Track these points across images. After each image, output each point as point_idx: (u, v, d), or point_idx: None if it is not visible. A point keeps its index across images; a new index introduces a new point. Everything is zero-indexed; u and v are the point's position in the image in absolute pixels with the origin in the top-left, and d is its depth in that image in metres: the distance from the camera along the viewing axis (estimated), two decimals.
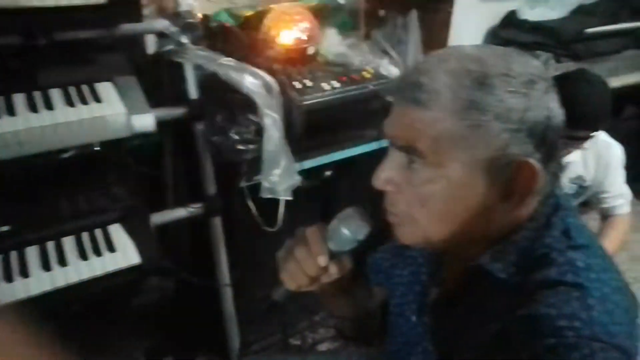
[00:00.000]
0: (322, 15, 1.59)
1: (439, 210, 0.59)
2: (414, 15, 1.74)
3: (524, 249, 0.61)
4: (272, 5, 1.47)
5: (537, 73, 0.59)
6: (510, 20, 2.17)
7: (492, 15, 2.23)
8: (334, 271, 0.68)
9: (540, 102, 0.57)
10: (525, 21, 2.12)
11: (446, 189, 0.58)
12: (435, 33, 2.20)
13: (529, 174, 0.58)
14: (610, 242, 1.51)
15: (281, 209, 1.40)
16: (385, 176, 0.62)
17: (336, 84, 1.38)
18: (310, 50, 1.45)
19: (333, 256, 0.68)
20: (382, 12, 1.90)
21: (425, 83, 0.57)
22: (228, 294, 1.47)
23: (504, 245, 0.62)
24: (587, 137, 1.33)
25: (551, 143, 0.59)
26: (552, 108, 0.59)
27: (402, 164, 0.61)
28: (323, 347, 1.75)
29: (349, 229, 0.67)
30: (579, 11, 2.20)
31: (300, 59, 1.42)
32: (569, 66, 2.04)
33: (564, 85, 1.32)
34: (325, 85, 1.37)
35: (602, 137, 1.48)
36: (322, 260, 0.66)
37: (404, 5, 1.73)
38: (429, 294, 0.76)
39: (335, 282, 0.77)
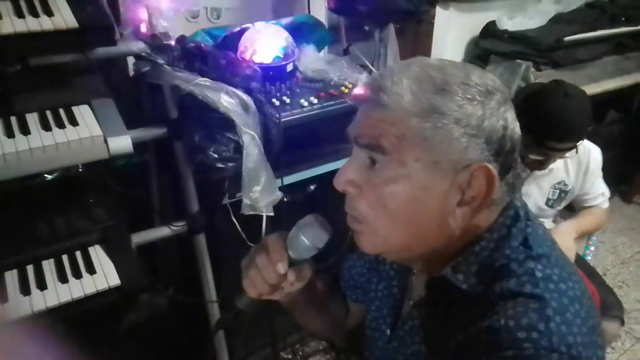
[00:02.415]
0: (301, 31, 1.62)
1: (399, 211, 0.60)
2: (391, 29, 1.77)
3: (485, 260, 0.62)
4: (249, 25, 1.50)
5: (494, 85, 0.61)
6: (490, 30, 2.21)
7: (473, 27, 2.27)
8: (292, 279, 0.68)
9: (497, 112, 0.59)
10: (504, 31, 2.16)
11: (407, 189, 0.59)
12: (417, 45, 2.24)
13: (486, 179, 0.59)
14: (585, 220, 1.56)
15: (264, 224, 1.40)
16: (346, 177, 0.62)
17: (314, 100, 1.40)
18: (289, 68, 1.47)
19: (293, 264, 0.68)
20: (366, 27, 1.93)
21: (389, 86, 0.59)
22: (214, 309, 1.46)
23: (465, 256, 0.63)
24: (572, 147, 1.36)
25: (508, 153, 0.61)
26: (509, 119, 0.61)
27: (364, 165, 0.61)
28: None
29: (307, 237, 0.67)
30: (558, 20, 2.23)
31: (278, 77, 1.43)
32: (550, 74, 2.07)
33: (542, 100, 1.35)
34: (303, 102, 1.39)
35: (582, 142, 1.50)
36: (281, 267, 0.67)
37: (382, 19, 1.75)
38: (402, 307, 0.77)
39: (304, 294, 0.77)
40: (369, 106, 0.61)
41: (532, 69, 2.06)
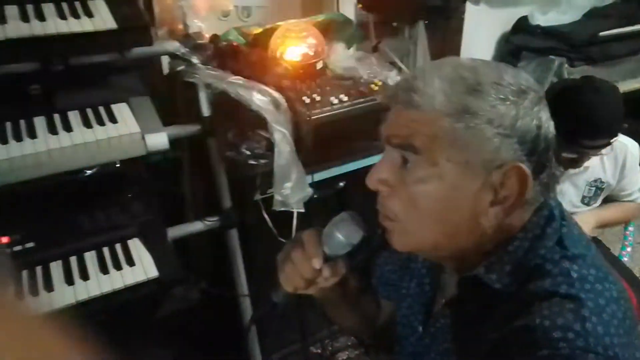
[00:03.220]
0: (330, 29, 1.63)
1: (431, 210, 0.60)
2: (421, 26, 1.76)
3: (519, 260, 0.62)
4: (279, 23, 1.52)
5: (528, 85, 0.61)
6: (522, 26, 2.17)
7: (504, 22, 2.23)
8: (327, 274, 0.69)
9: (531, 111, 0.59)
10: (537, 26, 2.12)
11: (439, 189, 0.59)
12: (447, 42, 2.22)
13: (520, 179, 0.58)
14: (608, 211, 1.56)
15: (295, 220, 1.42)
16: (379, 177, 0.63)
17: (344, 98, 1.41)
18: (319, 65, 1.48)
19: (328, 259, 0.69)
20: (394, 24, 1.92)
21: (421, 87, 0.59)
22: (246, 303, 1.49)
23: (499, 256, 0.62)
24: (606, 144, 1.33)
25: (542, 153, 0.60)
26: (543, 118, 0.60)
27: (396, 165, 0.62)
28: (343, 355, 1.76)
29: (342, 234, 0.68)
30: (592, 14, 2.18)
31: (309, 74, 1.45)
32: (584, 70, 2.02)
33: (572, 97, 1.32)
34: (333, 99, 1.40)
35: (618, 138, 1.48)
36: (316, 262, 0.68)
37: (412, 16, 1.74)
38: (435, 304, 0.77)
39: (338, 290, 0.78)
40: (401, 106, 0.61)
41: (566, 65, 2.02)
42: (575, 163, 1.38)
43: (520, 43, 2.16)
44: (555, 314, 0.55)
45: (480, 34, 2.21)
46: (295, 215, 1.43)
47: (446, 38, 2.21)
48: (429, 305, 0.77)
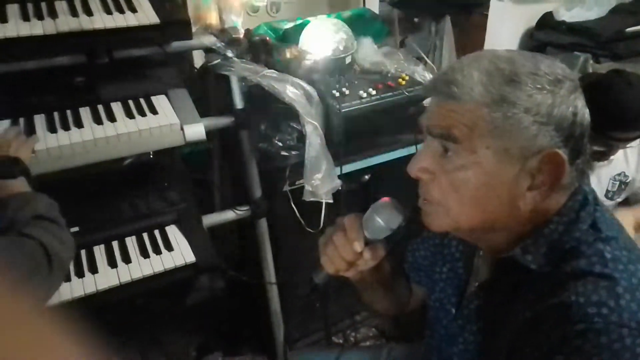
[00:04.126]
0: (358, 24, 1.66)
1: (471, 196, 0.64)
2: (447, 20, 1.78)
3: (554, 242, 0.65)
4: (308, 18, 1.55)
5: (564, 74, 0.64)
6: (547, 22, 2.17)
7: (528, 18, 2.23)
8: (368, 257, 0.73)
9: (567, 99, 0.62)
10: (562, 22, 2.11)
11: (478, 176, 0.63)
12: (470, 37, 2.23)
13: (556, 165, 0.62)
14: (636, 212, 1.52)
15: (323, 211, 1.46)
16: (420, 165, 0.67)
17: (372, 91, 1.44)
18: (347, 60, 1.51)
19: (368, 243, 0.73)
20: (416, 20, 1.95)
21: (460, 79, 0.62)
22: (274, 291, 1.54)
23: (535, 238, 0.66)
24: (637, 137, 1.34)
25: (577, 140, 0.63)
26: (578, 106, 0.63)
27: (436, 153, 0.65)
28: (364, 345, 1.79)
29: (382, 219, 0.72)
30: (619, 10, 2.17)
31: (338, 68, 1.48)
32: (610, 66, 2.01)
33: (604, 91, 1.33)
34: (362, 93, 1.43)
35: None
36: (357, 246, 0.72)
37: (437, 11, 1.77)
38: (468, 287, 0.80)
39: (375, 273, 0.82)
40: (441, 98, 0.65)
41: (591, 62, 2.02)
42: (603, 156, 1.39)
43: (545, 39, 2.16)
44: (590, 291, 0.58)
45: (504, 29, 2.22)
46: (324, 206, 1.47)
47: (469, 34, 2.23)
48: (462, 288, 0.81)
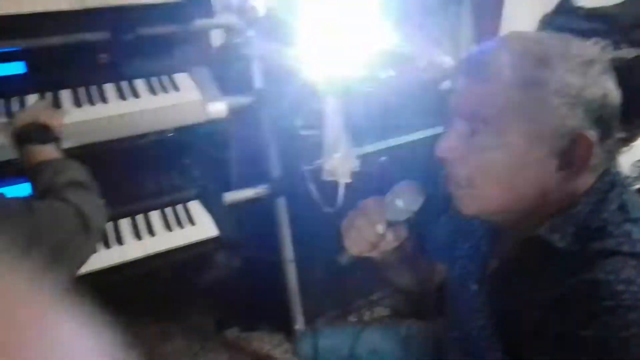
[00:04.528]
0: (378, 6, 1.65)
1: (499, 177, 0.64)
2: (466, 3, 1.77)
3: (582, 222, 0.65)
4: None
5: (594, 56, 0.63)
6: (565, 7, 2.14)
7: (545, 3, 2.21)
8: (390, 238, 0.75)
9: (597, 81, 0.62)
10: (580, 8, 2.09)
11: (506, 157, 0.63)
12: (486, 21, 2.21)
13: (585, 146, 0.62)
14: None
15: (341, 190, 1.48)
16: (448, 145, 0.67)
17: (392, 73, 1.45)
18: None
19: (390, 225, 0.75)
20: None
21: (489, 61, 0.63)
22: (292, 269, 1.56)
23: (562, 217, 0.66)
24: None
25: (607, 121, 0.63)
26: (608, 88, 0.63)
27: (465, 133, 0.66)
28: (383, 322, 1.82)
29: (403, 201, 0.74)
30: None
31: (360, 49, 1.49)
32: (630, 53, 2.00)
33: (626, 75, 1.32)
34: (381, 74, 1.44)
35: None
36: (380, 228, 0.74)
37: None
38: (489, 264, 0.82)
39: (397, 253, 0.84)
40: (470, 79, 0.65)
41: (610, 48, 2.00)
42: (626, 142, 1.39)
43: (563, 25, 2.14)
44: (618, 269, 0.58)
45: (520, 13, 2.20)
46: (341, 186, 1.48)
47: (485, 17, 2.21)
48: (484, 265, 0.82)
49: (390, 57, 1.50)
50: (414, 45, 1.55)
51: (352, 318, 1.78)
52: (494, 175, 0.64)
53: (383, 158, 1.64)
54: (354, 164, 1.40)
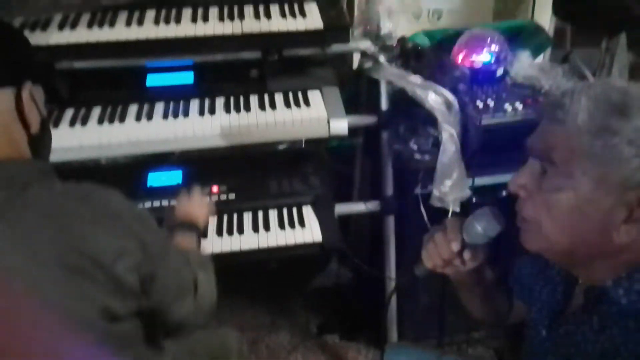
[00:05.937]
0: (519, 36, 1.63)
1: (563, 218, 0.65)
2: (622, 38, 1.63)
3: None
4: (467, 28, 1.58)
5: None
6: None
7: None
8: (468, 257, 0.78)
9: None
10: None
11: (572, 199, 0.64)
12: None
13: None
14: None
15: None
16: (519, 181, 0.70)
17: (519, 106, 1.42)
18: (499, 72, 1.51)
19: (466, 246, 0.78)
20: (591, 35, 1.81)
21: (567, 104, 0.64)
22: (391, 286, 1.61)
23: (629, 273, 0.65)
24: None
25: None
26: None
27: (535, 173, 0.68)
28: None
29: (480, 225, 0.76)
30: None
31: (487, 80, 1.49)
32: None
33: None
34: (507, 107, 1.42)
35: None
36: (454, 246, 0.77)
37: (613, 27, 1.63)
38: (562, 312, 0.80)
39: (472, 276, 0.86)
40: (547, 120, 0.67)
41: None
42: None
43: None
44: None
45: None
46: (450, 213, 1.49)
47: None
48: (557, 312, 0.80)
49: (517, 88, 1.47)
50: (551, 79, 1.49)
51: (450, 350, 1.75)
52: (556, 215, 0.65)
53: (504, 192, 1.59)
54: (465, 193, 1.40)
